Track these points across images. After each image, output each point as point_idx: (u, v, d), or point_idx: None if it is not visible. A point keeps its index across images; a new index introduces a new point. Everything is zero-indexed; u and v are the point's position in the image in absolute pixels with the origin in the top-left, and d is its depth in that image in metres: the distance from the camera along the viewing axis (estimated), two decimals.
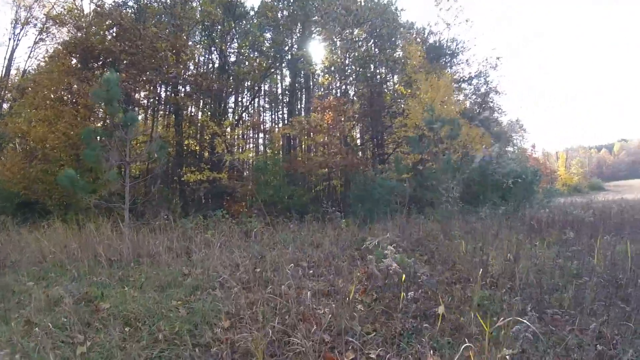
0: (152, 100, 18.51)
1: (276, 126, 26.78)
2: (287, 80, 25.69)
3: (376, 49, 22.58)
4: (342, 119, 19.01)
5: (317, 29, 21.78)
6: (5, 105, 22.49)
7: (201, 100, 19.94)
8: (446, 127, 14.54)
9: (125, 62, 15.49)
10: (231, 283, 6.17)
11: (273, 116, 27.55)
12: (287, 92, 25.67)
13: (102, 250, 7.95)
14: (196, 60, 20.20)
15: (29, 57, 23.33)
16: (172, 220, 11.10)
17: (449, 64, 25.45)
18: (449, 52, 25.49)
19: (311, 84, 26.14)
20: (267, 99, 26.97)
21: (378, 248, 7.45)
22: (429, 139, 15.93)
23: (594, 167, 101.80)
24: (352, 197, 16.57)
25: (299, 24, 21.28)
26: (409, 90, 20.85)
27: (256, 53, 21.58)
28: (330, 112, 18.72)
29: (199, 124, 19.14)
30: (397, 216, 13.91)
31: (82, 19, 16.85)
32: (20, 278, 6.58)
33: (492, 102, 26.69)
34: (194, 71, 19.47)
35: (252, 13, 22.04)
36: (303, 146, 23.71)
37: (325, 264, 7.92)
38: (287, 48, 21.76)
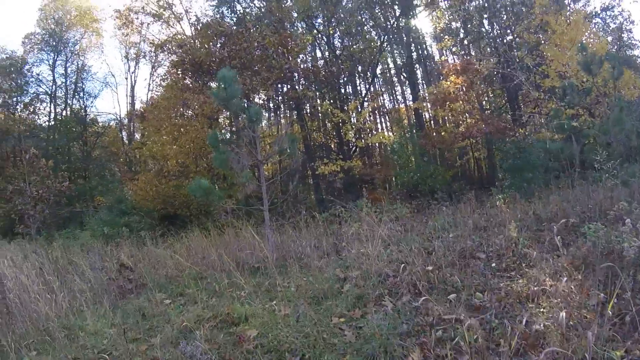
0: (271, 98, 17.95)
1: (398, 106, 25.30)
2: (398, 60, 24.11)
3: None
4: (477, 81, 16.64)
5: None
6: (137, 136, 23.97)
7: (318, 92, 19.02)
8: (605, 66, 11.67)
9: (236, 66, 15.10)
10: (401, 288, 4.85)
11: (391, 97, 26.15)
12: (403, 70, 23.92)
13: (244, 257, 7.16)
14: (307, 50, 19.36)
15: (148, 90, 24.70)
16: (312, 216, 10.14)
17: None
18: None
19: (426, 53, 24.49)
20: (382, 82, 25.63)
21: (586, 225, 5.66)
22: (583, 87, 13.12)
23: None
24: (505, 167, 14.30)
25: None
26: (543, 37, 17.62)
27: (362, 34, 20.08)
28: (462, 76, 16.46)
29: (321, 114, 18.20)
30: (563, 184, 11.61)
31: (186, 39, 16.95)
32: (157, 296, 5.92)
33: (630, 38, 21.93)
34: (307, 64, 18.62)
35: None
36: (435, 121, 21.77)
37: (507, 253, 6.24)
38: (390, 25, 20.06)
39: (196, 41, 16.74)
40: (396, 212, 11.04)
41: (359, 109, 16.38)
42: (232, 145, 8.67)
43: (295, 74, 16.29)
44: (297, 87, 16.55)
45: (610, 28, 21.99)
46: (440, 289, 4.78)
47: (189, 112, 14.79)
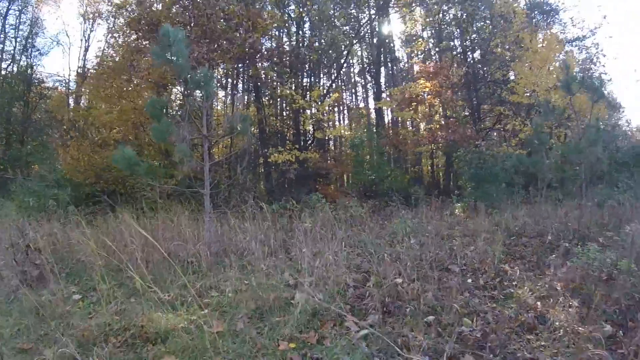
0: (229, 75, 16.48)
1: (359, 104, 24.67)
2: (365, 59, 23.54)
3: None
4: (446, 88, 16.01)
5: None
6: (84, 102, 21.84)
7: (281, 77, 17.93)
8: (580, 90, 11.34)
9: (197, 33, 13.66)
10: (366, 303, 3.94)
11: (353, 96, 25.57)
12: (369, 69, 23.45)
13: (174, 248, 5.99)
14: (274, 33, 18.16)
15: (102, 53, 22.56)
16: (260, 207, 9.06)
17: (550, 22, 21.59)
18: (549, 9, 21.49)
19: (394, 56, 24.22)
20: (345, 79, 24.96)
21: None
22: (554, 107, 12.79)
23: None
24: (466, 177, 13.76)
25: None
26: (517, 53, 17.32)
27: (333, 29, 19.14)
28: (432, 80, 15.79)
29: (280, 99, 17.05)
30: (524, 200, 11.24)
31: None
32: (64, 290, 4.70)
33: (599, 68, 22.19)
34: (272, 45, 17.31)
35: None
36: (395, 123, 21.18)
37: (483, 267, 5.50)
38: (363, 22, 19.49)
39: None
40: (351, 210, 10.16)
41: (321, 100, 15.22)
42: (177, 116, 7.48)
43: (259, 53, 14.97)
44: (258, 66, 15.25)
45: (581, 58, 22.07)
46: (413, 307, 3.88)
47: (137, 78, 13.20)
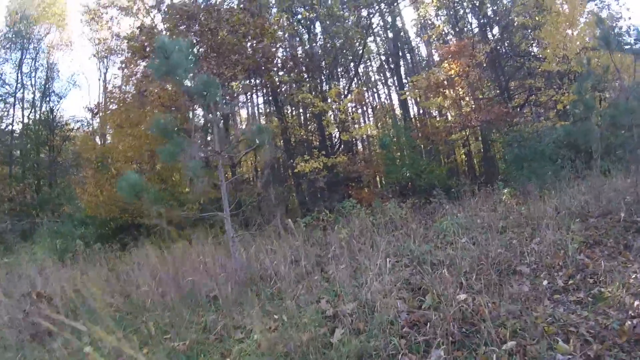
0: (244, 88, 15.82)
1: (382, 101, 23.79)
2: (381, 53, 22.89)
3: None
4: (471, 66, 14.89)
5: None
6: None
7: (297, 83, 17.30)
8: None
9: (206, 51, 13.13)
10: (424, 334, 3.11)
11: (374, 94, 24.74)
12: (388, 63, 22.63)
13: (196, 281, 5.28)
14: (285, 39, 17.54)
15: (112, 87, 22.35)
16: (291, 222, 8.30)
17: None
18: None
19: (412, 46, 23.48)
20: (364, 78, 24.22)
21: None
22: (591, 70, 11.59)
23: None
24: (509, 158, 12.65)
25: None
26: (540, 18, 16.04)
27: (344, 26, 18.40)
28: (457, 61, 14.72)
29: (302, 106, 16.32)
30: (576, 175, 10.07)
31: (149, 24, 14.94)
32: (73, 343, 4.05)
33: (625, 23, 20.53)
34: (287, 52, 16.63)
35: None
36: (423, 113, 20.17)
37: (556, 263, 4.57)
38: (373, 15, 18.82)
39: (159, 26, 14.65)
40: (390, 213, 9.28)
41: (342, 98, 14.36)
42: (197, 136, 6.83)
43: (272, 61, 14.31)
44: (273, 75, 14.58)
45: (604, 16, 20.52)
46: (484, 331, 3.01)
47: (148, 105, 12.77)
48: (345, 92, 15.46)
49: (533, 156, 11.68)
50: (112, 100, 14.51)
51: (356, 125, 15.57)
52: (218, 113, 6.15)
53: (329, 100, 13.64)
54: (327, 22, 17.13)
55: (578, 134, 9.84)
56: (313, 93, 14.98)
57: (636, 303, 3.21)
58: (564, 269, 4.42)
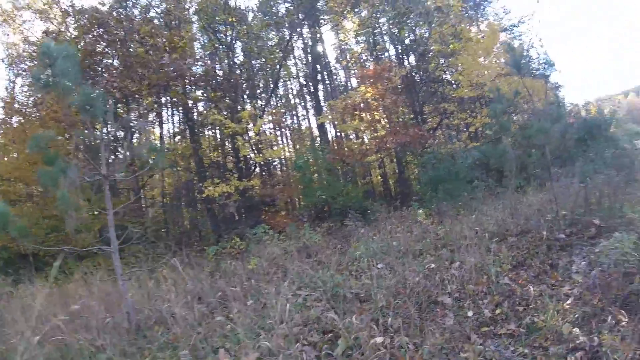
0: (150, 102, 14.69)
1: (300, 123, 23.65)
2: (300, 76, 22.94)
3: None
4: (388, 90, 14.98)
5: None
6: None
7: (211, 102, 16.63)
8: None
9: (110, 60, 12.14)
10: None
11: (293, 117, 24.62)
12: (306, 86, 22.66)
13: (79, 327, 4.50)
14: (205, 55, 16.82)
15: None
16: (201, 250, 7.64)
17: (482, 14, 21.55)
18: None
19: (331, 70, 23.47)
20: (284, 100, 24.12)
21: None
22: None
23: (625, 114, 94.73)
24: (425, 180, 12.78)
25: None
26: (456, 45, 16.75)
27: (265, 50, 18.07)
28: (374, 85, 14.74)
29: (212, 125, 15.61)
30: (494, 193, 10.29)
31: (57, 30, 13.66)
32: None
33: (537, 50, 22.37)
34: (199, 69, 15.81)
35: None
36: (340, 136, 20.22)
37: (480, 289, 4.38)
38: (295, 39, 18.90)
39: (69, 32, 13.34)
40: (304, 239, 8.88)
41: (256, 119, 13.74)
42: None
43: (184, 78, 13.41)
44: (181, 92, 13.70)
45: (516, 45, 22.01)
46: None
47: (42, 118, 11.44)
48: (261, 113, 14.90)
49: (447, 177, 11.86)
50: (9, 113, 12.95)
51: (272, 148, 15.00)
52: (105, 130, 5.42)
53: (242, 122, 12.99)
54: (246, 40, 16.68)
55: (494, 153, 10.09)
56: (226, 113, 14.36)
57: (574, 332, 3.00)
58: (488, 295, 4.21)
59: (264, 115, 14.19)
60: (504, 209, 8.25)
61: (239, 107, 14.42)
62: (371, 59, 20.47)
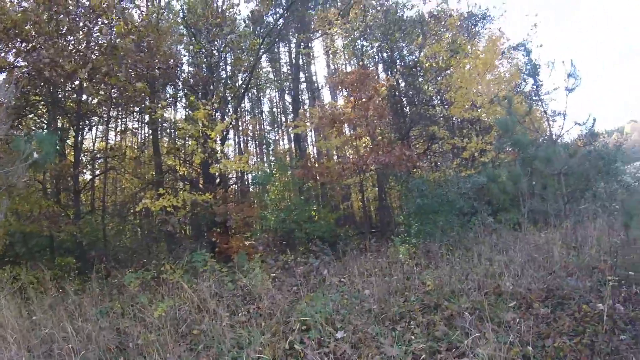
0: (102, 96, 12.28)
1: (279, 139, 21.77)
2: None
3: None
4: (375, 101, 12.84)
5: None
6: None
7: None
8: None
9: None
10: None
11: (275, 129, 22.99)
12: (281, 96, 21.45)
13: None
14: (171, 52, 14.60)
15: None
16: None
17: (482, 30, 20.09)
18: (482, 17, 19.88)
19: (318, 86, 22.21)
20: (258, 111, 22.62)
21: None
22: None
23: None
24: (411, 209, 10.71)
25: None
26: (452, 61, 14.85)
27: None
28: (354, 91, 12.62)
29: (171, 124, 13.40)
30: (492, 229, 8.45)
31: None
32: None
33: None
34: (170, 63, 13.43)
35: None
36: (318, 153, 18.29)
37: None
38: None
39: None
40: (245, 280, 6.65)
41: (215, 122, 11.32)
42: None
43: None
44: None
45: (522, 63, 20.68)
46: None
47: None
48: (221, 117, 12.53)
49: (438, 207, 9.85)
50: None
51: (231, 158, 12.61)
52: None
53: (199, 122, 10.67)
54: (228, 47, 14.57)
55: (509, 182, 7.95)
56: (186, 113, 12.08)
57: None
58: None
59: (226, 119, 11.78)
60: (516, 253, 6.18)
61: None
62: (355, 64, 18.77)
